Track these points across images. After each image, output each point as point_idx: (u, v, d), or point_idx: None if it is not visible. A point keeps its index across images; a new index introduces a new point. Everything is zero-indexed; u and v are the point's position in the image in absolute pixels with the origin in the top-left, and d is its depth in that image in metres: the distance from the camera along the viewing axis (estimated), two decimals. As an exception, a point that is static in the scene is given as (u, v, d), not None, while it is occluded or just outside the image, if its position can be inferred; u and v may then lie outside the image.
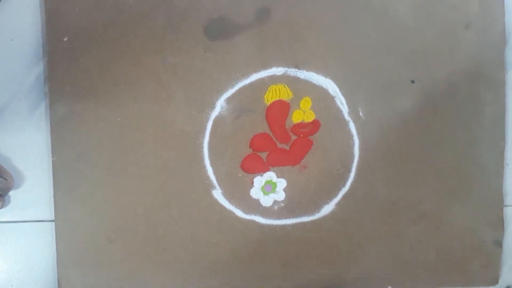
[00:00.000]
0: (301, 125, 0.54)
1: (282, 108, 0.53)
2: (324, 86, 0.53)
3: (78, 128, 0.53)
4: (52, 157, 0.53)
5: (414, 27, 0.54)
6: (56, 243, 0.54)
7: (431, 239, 0.55)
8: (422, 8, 0.54)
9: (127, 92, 0.52)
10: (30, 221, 0.55)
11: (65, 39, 0.52)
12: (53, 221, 0.54)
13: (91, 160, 0.53)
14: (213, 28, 0.52)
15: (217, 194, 0.54)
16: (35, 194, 0.54)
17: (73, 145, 0.53)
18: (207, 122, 0.53)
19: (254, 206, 0.54)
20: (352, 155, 0.54)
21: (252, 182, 0.54)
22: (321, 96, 0.53)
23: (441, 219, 0.55)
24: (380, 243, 0.55)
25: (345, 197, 0.54)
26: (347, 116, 0.54)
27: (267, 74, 0.53)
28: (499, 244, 0.56)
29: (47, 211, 0.54)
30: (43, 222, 0.55)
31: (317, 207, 0.55)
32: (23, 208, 0.54)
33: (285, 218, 0.55)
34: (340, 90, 0.53)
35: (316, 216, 0.55)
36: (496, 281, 0.56)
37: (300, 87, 0.53)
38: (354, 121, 0.54)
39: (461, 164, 0.55)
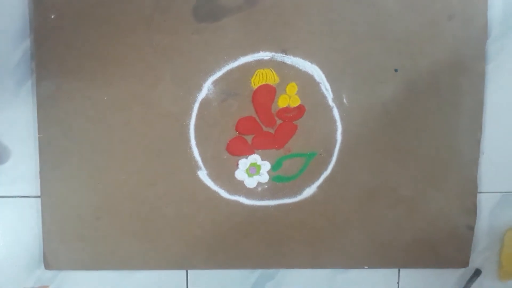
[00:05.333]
0: (286, 109, 0.55)
1: (268, 93, 0.54)
2: (310, 72, 0.54)
3: (65, 105, 0.53)
4: (39, 133, 0.53)
5: (398, 16, 0.54)
6: (42, 219, 0.54)
7: (408, 223, 0.58)
8: (408, -3, 0.55)
9: (115, 71, 0.53)
10: (16, 197, 0.55)
11: (52, 17, 0.51)
12: (39, 197, 0.54)
13: (77, 138, 0.53)
14: (202, 10, 0.52)
15: (203, 174, 0.55)
16: (21, 170, 0.55)
17: (59, 123, 0.53)
18: (193, 104, 0.54)
19: (238, 187, 0.56)
20: (335, 140, 0.56)
21: (237, 164, 0.55)
22: (307, 82, 0.54)
23: (418, 204, 0.58)
24: (358, 226, 0.57)
25: (326, 180, 0.56)
26: (331, 102, 0.55)
27: (254, 58, 0.54)
28: (471, 228, 0.58)
29: (33, 187, 0.55)
30: (29, 198, 0.55)
31: (299, 190, 0.56)
32: (10, 184, 0.55)
33: (268, 200, 0.56)
34: (326, 76, 0.54)
35: (298, 198, 0.56)
36: (466, 264, 0.59)
37: (287, 72, 0.54)
38: (338, 107, 0.55)
39: (439, 151, 0.57)
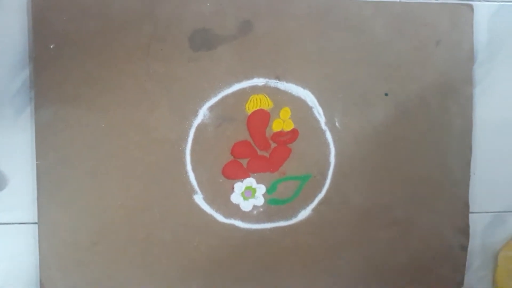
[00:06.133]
0: (280, 133, 0.56)
1: (262, 117, 0.56)
2: (303, 97, 0.56)
3: (62, 133, 0.54)
4: (36, 160, 0.54)
5: (388, 43, 0.56)
6: (39, 245, 0.54)
7: (402, 244, 0.58)
8: (396, 25, 0.57)
9: (112, 98, 0.54)
10: (13, 223, 0.55)
11: (51, 46, 0.53)
12: (36, 223, 0.55)
13: (74, 165, 0.54)
14: (197, 39, 0.54)
15: (198, 198, 0.56)
16: (18, 197, 0.55)
17: (57, 150, 0.54)
18: (189, 129, 0.55)
19: (234, 211, 0.56)
20: (328, 163, 0.57)
21: (233, 188, 0.56)
22: (300, 107, 0.56)
23: (411, 225, 0.58)
24: (353, 247, 0.58)
25: (320, 203, 0.57)
26: (324, 126, 0.56)
27: (248, 85, 0.55)
28: (464, 248, 0.59)
29: (31, 213, 0.55)
30: (27, 224, 0.55)
31: (294, 212, 0.57)
32: (7, 210, 0.55)
33: (264, 223, 0.57)
34: (318, 101, 0.56)
35: (293, 220, 0.57)
36: (461, 284, 0.60)
37: (280, 98, 0.56)
38: (330, 131, 0.56)
39: (431, 173, 0.58)
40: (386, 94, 0.57)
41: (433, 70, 0.57)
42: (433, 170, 0.58)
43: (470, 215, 0.59)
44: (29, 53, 0.53)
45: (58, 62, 0.53)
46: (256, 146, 0.56)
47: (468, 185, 0.59)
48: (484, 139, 0.59)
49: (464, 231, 0.59)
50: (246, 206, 0.56)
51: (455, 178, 0.58)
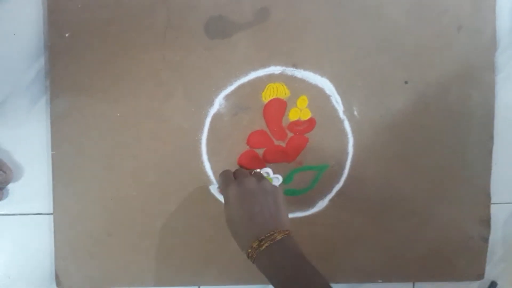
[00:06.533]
0: (297, 123, 0.55)
1: (279, 106, 0.55)
2: (320, 85, 0.55)
3: (77, 123, 0.53)
4: (52, 151, 0.54)
5: (407, 29, 0.55)
6: (54, 236, 0.54)
7: (421, 235, 0.57)
8: (416, 10, 0.55)
9: (127, 88, 0.53)
10: (28, 214, 0.55)
11: (66, 35, 0.52)
12: (51, 214, 0.54)
13: (90, 155, 0.54)
14: (213, 27, 0.53)
15: (214, 189, 0.55)
16: (34, 188, 0.55)
17: (72, 140, 0.53)
18: (205, 118, 0.54)
19: (250, 202, 0.55)
20: (346, 153, 0.56)
21: (249, 178, 0.55)
22: (317, 95, 0.55)
23: (431, 215, 0.57)
24: (371, 238, 0.57)
25: (338, 193, 0.56)
26: (342, 115, 0.55)
27: (265, 73, 0.54)
28: (485, 240, 0.58)
29: (46, 204, 0.55)
30: (42, 215, 0.55)
31: (311, 203, 0.56)
32: (22, 201, 0.55)
33: (280, 213, 0.56)
34: (336, 89, 0.55)
35: (311, 211, 0.56)
36: (481, 276, 0.58)
37: (297, 86, 0.54)
38: (348, 120, 0.55)
39: (451, 163, 0.57)
40: (405, 82, 0.55)
41: (454, 57, 0.56)
42: (454, 160, 0.57)
43: (492, 206, 0.58)
44: (44, 42, 0.53)
45: (73, 51, 0.52)
46: (273, 136, 0.55)
47: (489, 175, 0.57)
48: (506, 128, 0.57)
49: (485, 222, 0.58)
50: (263, 196, 0.55)
51: (476, 168, 0.57)
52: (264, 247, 0.42)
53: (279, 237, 0.43)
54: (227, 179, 0.49)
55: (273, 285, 0.42)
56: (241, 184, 0.47)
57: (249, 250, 0.43)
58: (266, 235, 0.43)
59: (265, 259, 0.42)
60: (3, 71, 0.53)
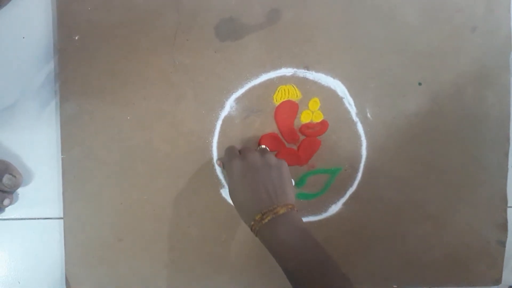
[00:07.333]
0: (309, 125, 0.54)
1: (290, 108, 0.54)
2: (333, 87, 0.54)
3: (87, 126, 0.53)
4: (62, 155, 0.53)
5: (420, 30, 0.54)
6: (65, 241, 0.54)
7: (436, 240, 0.56)
8: (429, 11, 0.54)
9: (137, 91, 0.53)
10: (38, 219, 0.55)
11: (76, 38, 0.52)
12: (61, 218, 0.54)
13: (100, 158, 0.53)
14: (224, 29, 0.53)
15: (226, 193, 0.54)
16: (44, 192, 0.54)
17: (82, 143, 0.53)
18: (216, 121, 0.53)
19: (261, 205, 0.55)
20: (360, 156, 0.55)
21: (260, 182, 0.54)
22: (330, 97, 0.54)
23: (446, 219, 0.56)
24: (386, 243, 0.56)
25: (352, 197, 0.55)
26: (355, 117, 0.54)
27: (276, 75, 0.53)
28: (502, 244, 0.57)
29: (56, 208, 0.54)
30: (52, 220, 0.55)
31: (324, 207, 0.55)
32: (32, 206, 0.54)
33: (292, 218, 0.55)
34: (348, 91, 0.54)
35: (324, 215, 0.55)
36: (499, 281, 0.57)
37: (309, 88, 0.54)
38: (362, 122, 0.54)
39: (466, 165, 0.56)
40: (419, 84, 0.54)
41: (468, 57, 0.55)
42: (469, 163, 0.56)
43: (509, 209, 0.56)
44: (53, 45, 0.53)
45: (82, 54, 0.52)
46: (284, 139, 0.54)
47: (506, 178, 0.56)
48: (522, 130, 0.56)
49: (502, 226, 0.57)
50: (274, 200, 0.55)
51: (492, 170, 0.56)
52: (266, 220, 0.42)
53: (282, 211, 0.43)
54: (232, 153, 0.49)
55: (275, 258, 0.42)
56: (245, 159, 0.47)
57: (252, 223, 0.43)
58: (269, 209, 0.43)
59: (267, 232, 0.42)
60: (12, 74, 0.53)
